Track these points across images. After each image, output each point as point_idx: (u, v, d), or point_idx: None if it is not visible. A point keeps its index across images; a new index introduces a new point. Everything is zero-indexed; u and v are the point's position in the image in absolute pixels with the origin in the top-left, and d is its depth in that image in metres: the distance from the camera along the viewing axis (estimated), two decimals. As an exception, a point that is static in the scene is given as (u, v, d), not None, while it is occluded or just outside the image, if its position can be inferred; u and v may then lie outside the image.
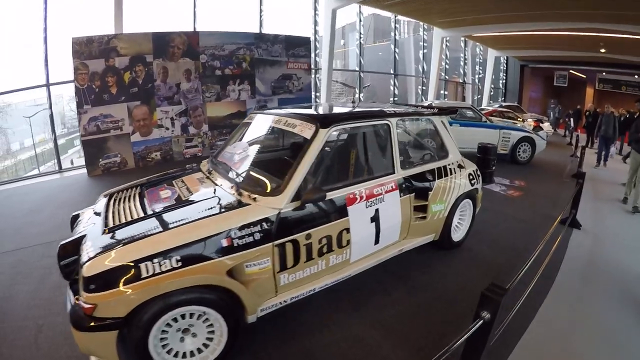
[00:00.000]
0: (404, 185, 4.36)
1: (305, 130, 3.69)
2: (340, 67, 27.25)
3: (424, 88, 22.58)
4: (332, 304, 4.10)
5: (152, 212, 3.28)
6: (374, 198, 3.96)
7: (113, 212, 3.40)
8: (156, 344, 2.80)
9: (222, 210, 3.19)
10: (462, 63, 27.00)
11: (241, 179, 3.74)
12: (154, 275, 2.63)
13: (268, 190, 3.39)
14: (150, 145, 10.78)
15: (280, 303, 3.39)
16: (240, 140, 4.62)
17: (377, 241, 4.10)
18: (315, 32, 15.97)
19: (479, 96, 29.10)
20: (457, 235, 5.46)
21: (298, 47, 13.16)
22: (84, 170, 10.14)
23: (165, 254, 2.70)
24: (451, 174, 5.01)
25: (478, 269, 5.06)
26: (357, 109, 4.76)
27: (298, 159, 3.44)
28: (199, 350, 3.04)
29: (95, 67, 9.45)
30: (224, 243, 2.93)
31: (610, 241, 6.44)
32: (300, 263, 3.39)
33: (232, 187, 3.56)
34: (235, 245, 2.97)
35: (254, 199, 3.27)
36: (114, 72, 9.70)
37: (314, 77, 15.59)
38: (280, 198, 3.25)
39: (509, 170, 11.30)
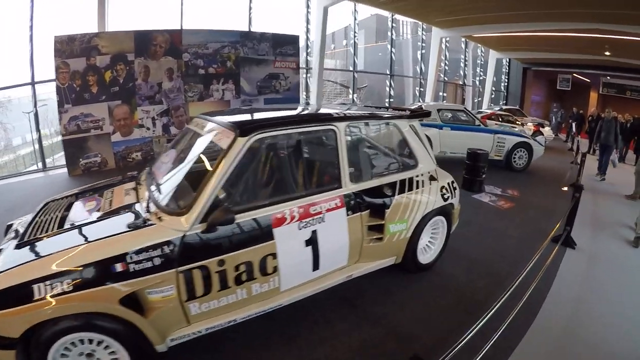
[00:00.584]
0: (352, 202, 3.79)
1: (223, 139, 3.24)
2: (341, 67, 26.75)
3: (421, 89, 21.87)
4: (262, 333, 3.61)
5: (67, 227, 3.08)
6: (311, 218, 3.45)
7: (35, 224, 3.23)
8: None
9: (125, 230, 2.86)
10: (462, 65, 26.42)
11: (156, 193, 3.31)
12: (43, 298, 2.44)
13: (175, 209, 2.98)
14: (131, 145, 10.49)
15: (194, 333, 3.02)
16: (173, 148, 4.17)
17: (316, 267, 3.57)
18: (307, 30, 15.57)
19: (480, 99, 28.50)
20: (427, 257, 4.84)
21: (286, 45, 12.73)
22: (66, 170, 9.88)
23: (58, 276, 2.50)
24: (417, 187, 4.38)
25: (446, 297, 4.40)
26: (298, 112, 4.41)
27: (209, 174, 3.01)
28: None
29: (77, 65, 9.31)
30: (119, 268, 2.63)
31: (606, 268, 5.68)
32: (213, 292, 2.98)
33: (146, 203, 3.22)
34: (132, 270, 2.65)
35: (159, 218, 2.92)
36: (94, 70, 9.53)
37: (305, 77, 15.35)
38: (186, 219, 2.87)
39: (502, 177, 10.65)
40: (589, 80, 28.50)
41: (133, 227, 2.86)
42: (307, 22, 15.42)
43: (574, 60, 23.51)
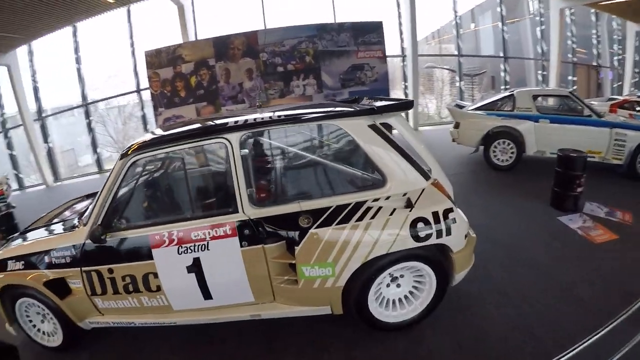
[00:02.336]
0: (250, 231, 3.20)
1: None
2: (468, 51, 23.62)
3: (544, 73, 18.63)
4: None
5: (50, 223, 4.08)
6: (191, 244, 3.24)
7: (42, 217, 4.48)
8: (21, 315, 3.82)
9: (61, 232, 3.70)
10: (595, 42, 22.05)
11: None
12: (10, 270, 3.52)
13: (84, 221, 3.47)
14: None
15: (109, 323, 3.60)
16: None
17: (207, 296, 3.37)
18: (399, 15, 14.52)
19: (620, 83, 23.59)
20: (400, 313, 3.60)
21: (369, 33, 11.93)
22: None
23: (19, 258, 3.52)
24: (362, 218, 3.17)
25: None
26: (184, 128, 3.74)
27: (99, 194, 3.37)
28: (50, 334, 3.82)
29: (165, 74, 10.69)
30: (46, 259, 3.44)
31: None
32: (109, 294, 3.40)
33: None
34: (54, 262, 3.42)
35: (79, 226, 3.51)
36: (181, 77, 10.77)
37: (402, 65, 14.76)
38: (84, 230, 3.36)
39: (618, 191, 7.73)
40: None
41: (66, 230, 3.69)
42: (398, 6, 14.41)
43: None
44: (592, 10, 20.77)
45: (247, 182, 3.22)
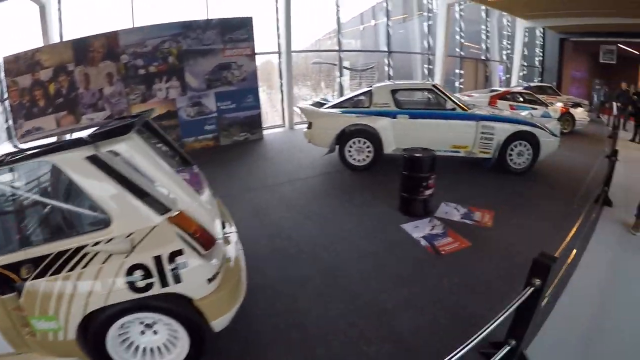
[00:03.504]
0: None
1: None
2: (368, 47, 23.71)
3: (430, 67, 18.39)
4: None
5: None
6: None
7: None
8: None
9: None
10: (484, 37, 22.30)
11: None
12: None
13: None
14: (80, 155, 9.60)
15: None
16: None
17: None
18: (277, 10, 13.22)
19: (508, 76, 24.12)
20: None
21: (237, 30, 10.99)
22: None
23: None
24: (76, 266, 2.56)
25: None
26: None
27: None
28: None
29: (24, 82, 9.29)
30: None
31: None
32: None
33: None
34: None
35: None
36: (40, 85, 9.42)
37: (278, 62, 13.51)
38: None
39: (484, 186, 7.35)
40: (638, 52, 23.60)
41: None
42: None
43: (618, 26, 18.88)
44: (483, 7, 20.90)
45: None
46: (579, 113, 13.87)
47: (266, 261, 4.50)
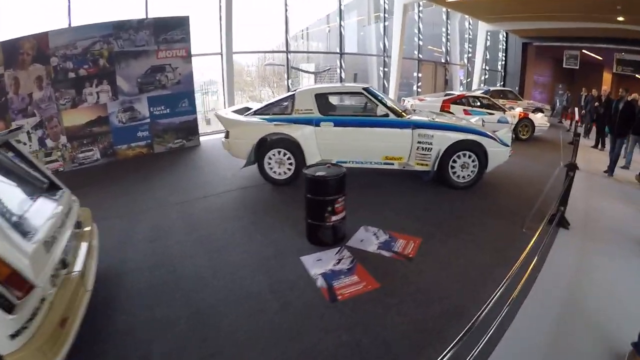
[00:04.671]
0: None
1: None
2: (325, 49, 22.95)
3: (386, 69, 17.54)
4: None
5: None
6: None
7: None
8: None
9: None
10: (444, 40, 21.57)
11: None
12: None
13: None
14: (11, 163, 8.70)
15: None
16: None
17: None
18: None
19: (469, 79, 23.42)
20: None
21: (172, 30, 10.18)
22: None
23: None
24: None
25: None
26: None
27: None
28: None
29: None
30: None
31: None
32: None
33: None
34: None
35: None
36: None
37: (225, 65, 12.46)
38: None
39: (419, 203, 6.32)
40: (600, 58, 23.05)
41: None
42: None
43: (581, 31, 18.42)
44: (444, 9, 20.13)
45: None
46: (539, 119, 12.96)
47: (138, 298, 3.77)
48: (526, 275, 3.30)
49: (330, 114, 6.89)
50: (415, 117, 6.86)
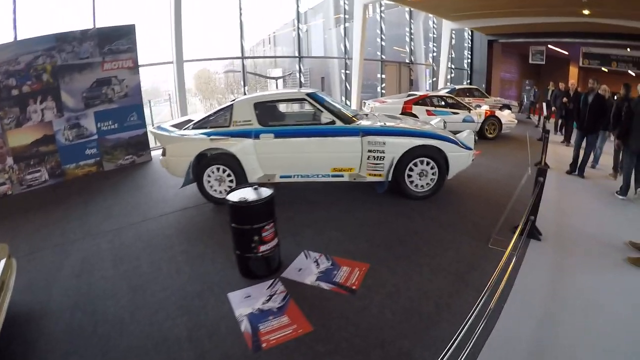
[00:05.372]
0: None
1: None
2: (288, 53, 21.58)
3: (347, 72, 16.87)
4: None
5: None
6: None
7: None
8: None
9: None
10: (408, 40, 21.04)
11: None
12: None
13: None
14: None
15: None
16: None
17: None
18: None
19: (434, 79, 23.01)
20: None
21: (117, 40, 9.57)
22: None
23: None
24: None
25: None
26: None
27: None
28: None
29: None
30: None
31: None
32: None
33: None
34: None
35: None
36: None
37: (176, 74, 11.76)
38: None
39: (371, 219, 5.64)
40: (567, 53, 22.91)
41: None
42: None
43: (546, 26, 17.95)
44: (407, 9, 19.70)
45: None
46: (506, 116, 12.49)
47: (56, 344, 3.31)
48: (492, 303, 2.67)
49: (270, 125, 6.23)
50: (365, 123, 6.22)
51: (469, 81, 25.01)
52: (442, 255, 4.45)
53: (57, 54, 8.86)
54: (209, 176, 6.22)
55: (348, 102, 16.31)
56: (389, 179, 5.95)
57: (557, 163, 9.14)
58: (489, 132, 11.90)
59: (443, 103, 12.05)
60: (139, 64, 10.08)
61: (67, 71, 9.04)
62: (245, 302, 3.59)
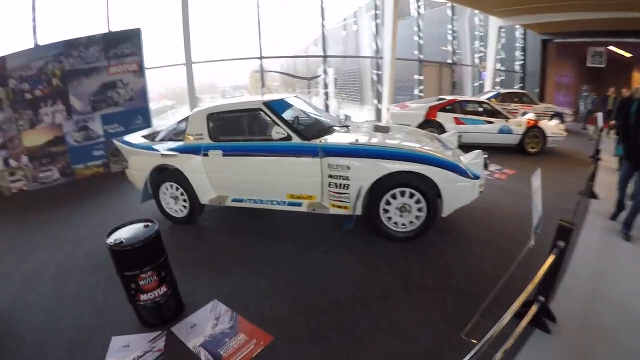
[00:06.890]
0: None
1: None
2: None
3: (379, 72, 15.50)
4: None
5: None
6: None
7: None
8: None
9: None
10: (450, 38, 19.29)
11: None
12: None
13: None
14: (-21, 182, 9.15)
15: None
16: None
17: None
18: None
19: (481, 82, 21.01)
20: None
21: (122, 44, 9.90)
22: None
23: None
24: None
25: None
26: None
27: None
28: None
29: None
30: None
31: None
32: None
33: None
34: None
35: None
36: None
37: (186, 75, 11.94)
38: None
39: (322, 268, 4.29)
40: (630, 55, 20.40)
41: None
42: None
43: (608, 22, 15.71)
44: (449, 4, 18.13)
45: None
46: (552, 127, 10.43)
47: None
48: None
49: (221, 140, 5.19)
50: (333, 139, 4.85)
51: (521, 85, 22.84)
52: (388, 342, 3.04)
53: (65, 59, 9.24)
54: (164, 193, 5.63)
55: (380, 105, 14.98)
56: (359, 212, 4.58)
57: (610, 191, 6.33)
58: (530, 146, 10.09)
59: (479, 109, 10.44)
60: (147, 66, 10.25)
61: (75, 75, 9.40)
62: (125, 353, 3.13)
